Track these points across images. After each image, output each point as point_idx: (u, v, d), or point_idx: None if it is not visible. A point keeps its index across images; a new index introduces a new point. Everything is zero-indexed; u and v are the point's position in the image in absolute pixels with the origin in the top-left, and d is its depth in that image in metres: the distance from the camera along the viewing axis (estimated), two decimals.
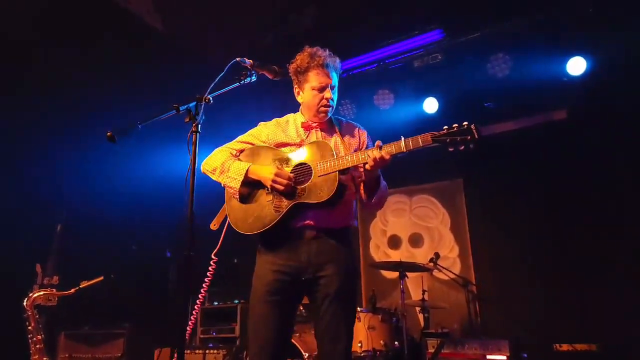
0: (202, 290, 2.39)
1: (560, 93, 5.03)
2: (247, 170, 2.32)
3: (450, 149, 2.10)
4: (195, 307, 2.21)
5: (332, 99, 2.43)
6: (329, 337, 2.21)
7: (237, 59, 2.19)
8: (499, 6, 4.65)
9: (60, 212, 5.23)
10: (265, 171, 2.29)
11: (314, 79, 2.40)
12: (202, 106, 1.94)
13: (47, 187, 5.30)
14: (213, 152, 2.49)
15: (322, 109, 2.42)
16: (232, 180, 2.33)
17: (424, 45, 5.24)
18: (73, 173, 5.50)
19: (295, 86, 2.48)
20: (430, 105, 5.47)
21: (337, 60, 2.48)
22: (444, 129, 2.11)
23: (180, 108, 1.90)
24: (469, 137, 2.07)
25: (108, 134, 1.75)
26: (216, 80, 2.03)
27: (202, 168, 2.46)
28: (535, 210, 5.25)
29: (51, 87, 4.95)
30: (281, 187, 2.24)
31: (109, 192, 5.65)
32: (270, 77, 2.41)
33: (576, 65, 4.77)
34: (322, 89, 2.40)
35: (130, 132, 1.78)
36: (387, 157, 2.15)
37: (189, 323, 2.19)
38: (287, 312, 2.27)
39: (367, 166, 2.20)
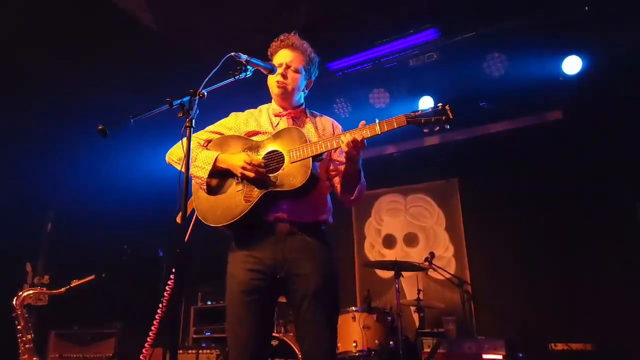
0: (167, 288, 2.18)
1: (556, 93, 5.03)
2: (216, 159, 2.23)
3: (425, 130, 2.08)
4: (160, 305, 2.07)
5: (286, 76, 2.35)
6: (312, 337, 2.13)
7: (232, 53, 2.13)
8: (494, 5, 4.63)
9: (50, 210, 5.17)
10: (234, 159, 2.20)
11: (275, 59, 2.42)
12: (196, 101, 1.90)
13: (37, 185, 5.23)
14: (179, 142, 2.35)
15: (275, 86, 2.38)
16: (199, 169, 2.23)
17: (420, 45, 5.22)
18: (64, 171, 5.43)
19: None
20: (426, 104, 5.45)
21: (310, 49, 2.44)
22: (418, 111, 2.08)
23: (174, 102, 1.86)
24: (443, 118, 2.03)
25: (99, 127, 1.70)
26: (210, 74, 1.98)
27: (167, 158, 2.37)
28: (531, 210, 5.26)
29: (41, 86, 4.88)
30: (251, 174, 2.14)
31: (100, 191, 5.60)
32: (265, 72, 2.37)
33: (572, 65, 4.76)
34: (279, 66, 2.37)
35: (122, 127, 1.74)
36: (360, 138, 2.06)
37: (154, 322, 2.08)
38: (264, 311, 2.17)
39: (343, 154, 2.12)
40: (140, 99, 4.88)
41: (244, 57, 2.17)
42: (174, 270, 1.82)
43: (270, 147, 2.24)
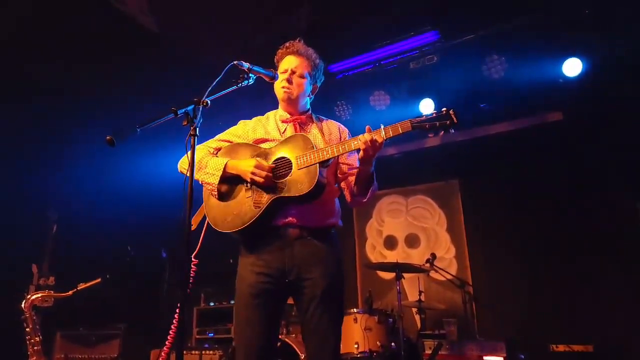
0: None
1: (556, 94, 5.04)
2: (226, 166, 2.27)
3: (430, 135, 2.14)
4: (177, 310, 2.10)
5: (291, 81, 2.41)
6: (318, 339, 2.18)
7: (235, 62, 2.16)
8: (494, 7, 4.66)
9: (54, 213, 5.21)
10: (244, 165, 2.25)
11: (282, 64, 2.47)
12: (200, 109, 1.94)
13: (42, 188, 5.29)
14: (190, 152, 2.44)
15: (281, 91, 2.43)
16: (210, 176, 2.27)
17: (420, 47, 5.25)
18: (68, 174, 5.48)
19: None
20: (426, 106, 5.47)
21: (316, 55, 2.50)
22: (422, 116, 2.12)
23: (179, 111, 1.90)
24: (448, 122, 2.09)
25: (107, 138, 1.74)
26: (214, 83, 2.02)
27: (179, 167, 2.41)
28: (531, 211, 5.28)
29: (45, 90, 4.93)
30: (261, 180, 2.18)
31: (104, 193, 5.65)
32: (267, 79, 2.41)
33: (572, 67, 4.77)
34: (284, 72, 2.44)
35: (129, 136, 1.78)
36: (380, 140, 2.11)
37: (172, 326, 2.13)
38: (272, 314, 2.22)
39: (360, 153, 2.16)
40: (141, 99, 4.96)
41: (246, 65, 2.22)
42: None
43: (279, 154, 2.29)
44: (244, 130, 2.48)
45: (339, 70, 5.64)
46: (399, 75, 5.47)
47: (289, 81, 2.41)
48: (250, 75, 2.23)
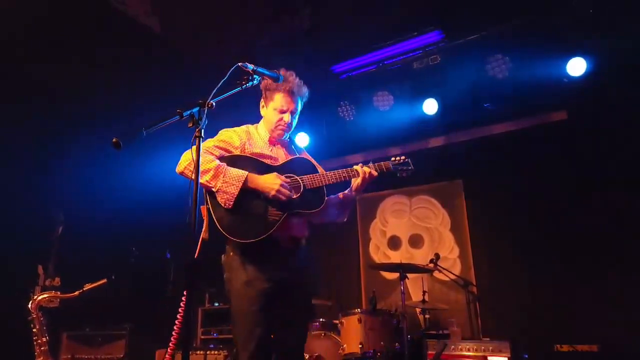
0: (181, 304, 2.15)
1: (560, 94, 5.03)
2: (246, 179, 2.36)
3: (398, 175, 2.63)
4: (178, 316, 2.17)
5: (290, 124, 2.63)
6: (300, 329, 2.54)
7: (239, 63, 2.20)
8: (498, 7, 4.65)
9: (60, 214, 5.24)
10: (264, 180, 2.39)
11: (278, 101, 2.59)
12: (205, 111, 1.95)
13: (47, 189, 5.32)
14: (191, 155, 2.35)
15: (279, 128, 2.61)
16: (229, 185, 2.33)
17: (423, 47, 5.24)
18: (74, 175, 5.51)
19: (262, 100, 2.67)
20: (430, 106, 5.47)
21: (305, 89, 2.66)
22: (395, 160, 2.62)
23: (184, 114, 1.92)
24: (409, 168, 2.63)
25: (114, 140, 1.75)
26: (219, 84, 2.04)
27: (184, 170, 2.37)
28: (535, 210, 5.27)
29: (48, 92, 4.96)
30: (284, 198, 2.37)
31: (109, 194, 5.68)
32: (271, 81, 2.44)
33: (576, 66, 4.76)
34: (283, 112, 2.59)
35: (135, 139, 1.79)
36: (375, 174, 2.54)
37: (175, 328, 2.18)
38: (270, 317, 2.39)
39: (357, 181, 2.53)
40: (144, 100, 4.98)
41: (250, 66, 2.25)
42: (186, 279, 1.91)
43: (285, 172, 2.49)
44: (239, 141, 2.55)
45: (342, 70, 5.63)
46: (402, 75, 5.46)
47: (289, 123, 2.60)
48: (254, 76, 2.26)
